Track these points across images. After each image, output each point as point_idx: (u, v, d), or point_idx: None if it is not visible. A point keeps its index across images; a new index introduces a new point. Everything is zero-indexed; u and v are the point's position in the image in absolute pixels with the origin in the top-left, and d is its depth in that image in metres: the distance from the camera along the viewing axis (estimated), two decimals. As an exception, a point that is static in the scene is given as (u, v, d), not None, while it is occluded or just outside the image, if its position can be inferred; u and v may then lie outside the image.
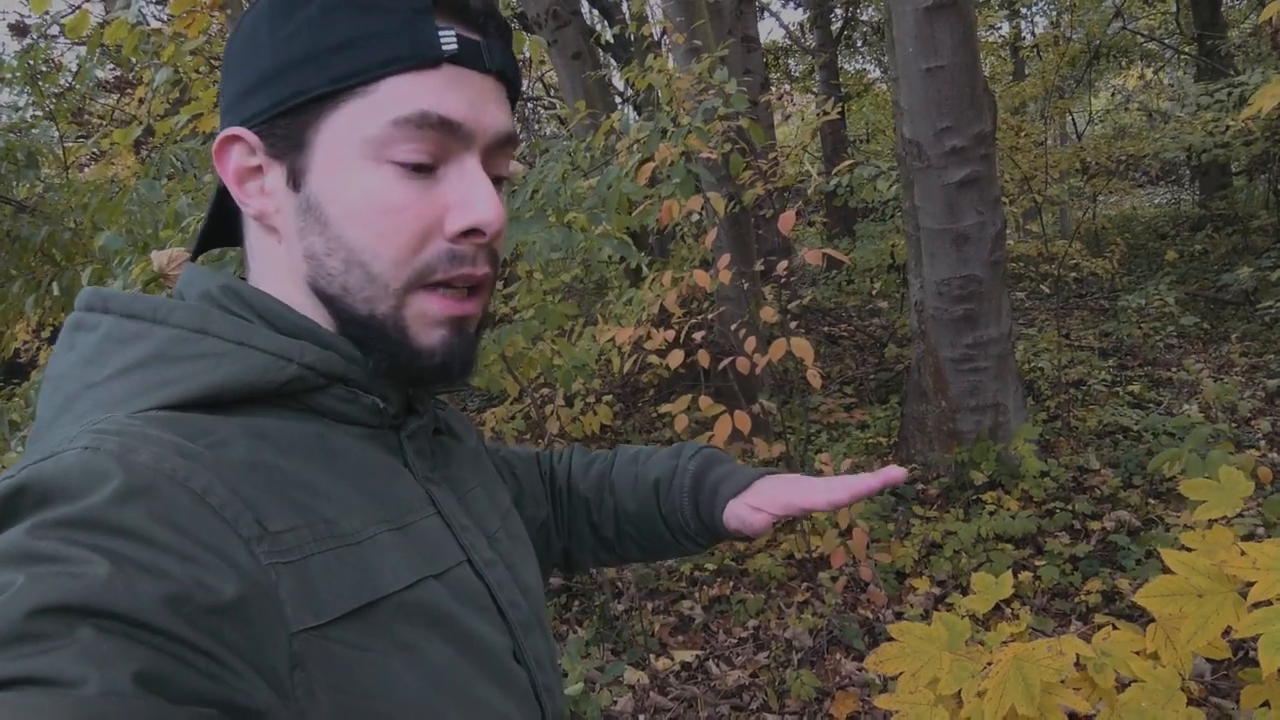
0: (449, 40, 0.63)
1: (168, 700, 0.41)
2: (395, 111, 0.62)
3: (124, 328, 0.61)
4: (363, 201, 0.63)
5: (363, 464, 0.64)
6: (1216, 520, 1.42)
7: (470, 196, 0.64)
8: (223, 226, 0.74)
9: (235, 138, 0.67)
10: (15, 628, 0.39)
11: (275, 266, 0.68)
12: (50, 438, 0.56)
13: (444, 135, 0.63)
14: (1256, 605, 1.16)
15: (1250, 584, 1.19)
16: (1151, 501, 3.91)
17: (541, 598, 0.79)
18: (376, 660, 0.54)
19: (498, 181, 0.69)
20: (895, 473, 0.82)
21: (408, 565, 0.60)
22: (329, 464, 0.61)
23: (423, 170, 0.63)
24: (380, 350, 0.65)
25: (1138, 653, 1.37)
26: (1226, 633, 1.22)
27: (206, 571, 0.47)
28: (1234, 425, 4.52)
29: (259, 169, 0.67)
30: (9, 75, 3.88)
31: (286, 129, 0.64)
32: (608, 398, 4.03)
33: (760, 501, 0.89)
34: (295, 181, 0.65)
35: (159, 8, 8.83)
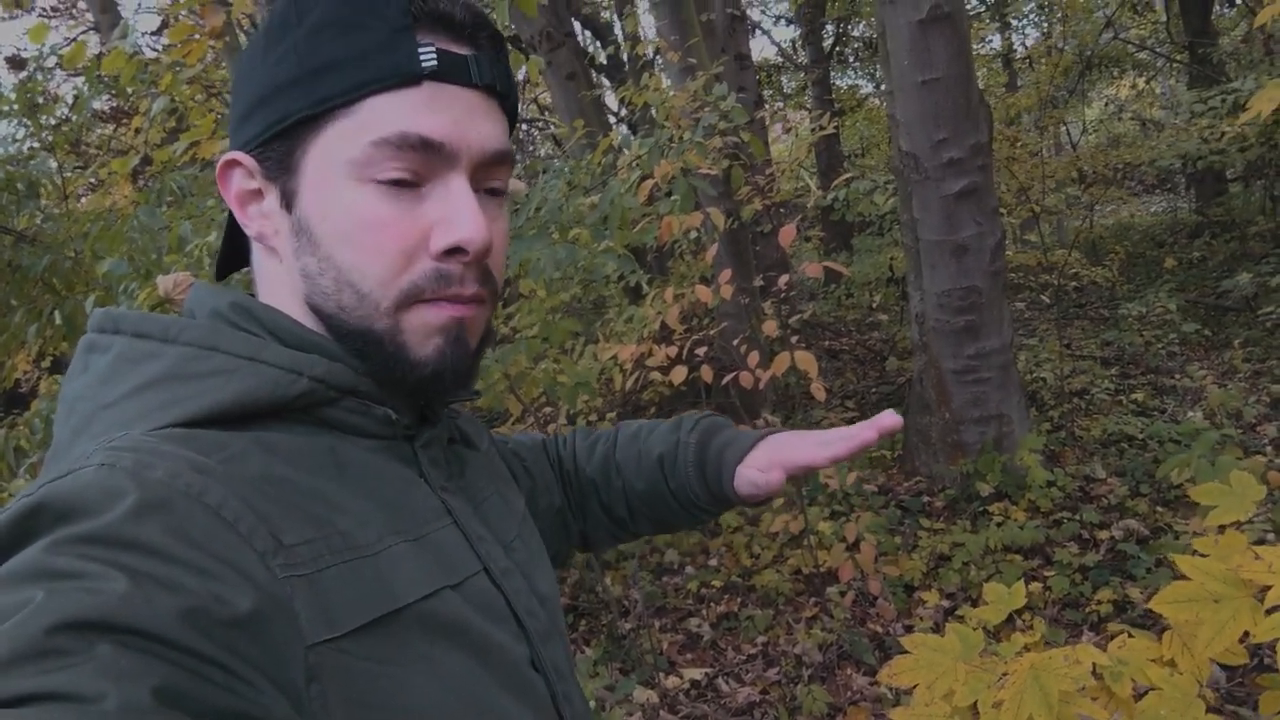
0: (429, 57, 0.62)
1: (186, 715, 0.41)
2: (375, 133, 0.61)
3: (136, 347, 0.61)
4: (348, 221, 0.62)
5: (376, 476, 0.64)
6: (1228, 525, 1.41)
7: (453, 214, 0.62)
8: (238, 250, 0.75)
9: (235, 162, 0.68)
10: (35, 644, 0.39)
11: (278, 285, 0.68)
12: (67, 458, 0.56)
13: (426, 155, 0.62)
14: (1273, 609, 1.15)
15: (1266, 588, 1.18)
16: (1159, 509, 3.90)
17: (558, 606, 0.78)
18: (394, 672, 0.54)
19: (493, 194, 0.68)
20: (890, 420, 0.82)
21: (424, 576, 0.60)
22: (342, 476, 0.61)
23: (405, 187, 0.62)
24: (377, 361, 0.65)
25: (1154, 660, 1.36)
26: (1244, 638, 1.21)
27: (222, 585, 0.47)
28: (1240, 431, 4.51)
29: (259, 192, 0.68)
30: (7, 108, 3.90)
31: (279, 152, 0.65)
32: (611, 415, 4.03)
33: (764, 464, 0.89)
34: (288, 203, 0.65)
35: (154, 38, 8.90)
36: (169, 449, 0.53)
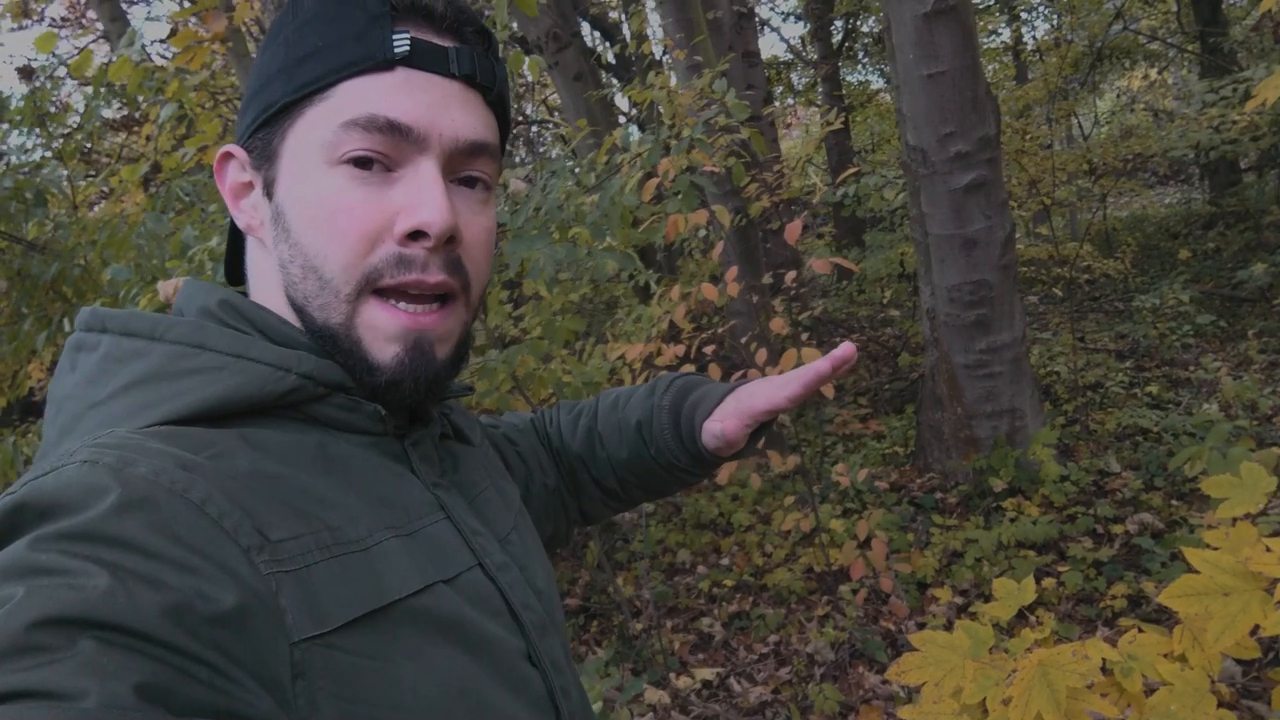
0: (402, 43, 0.63)
1: (168, 712, 0.41)
2: (345, 114, 0.62)
3: (123, 346, 0.62)
4: (315, 205, 0.63)
5: (367, 471, 0.64)
6: (1240, 517, 1.40)
7: (417, 199, 0.62)
8: (242, 250, 0.75)
9: (229, 155, 0.69)
10: (16, 640, 0.39)
11: (267, 280, 0.68)
12: (53, 456, 0.56)
13: (394, 138, 0.62)
14: (1284, 601, 1.14)
15: (1277, 580, 1.17)
16: (1174, 503, 3.87)
17: (555, 599, 0.78)
18: (383, 667, 0.54)
19: (472, 186, 0.68)
20: (844, 350, 0.81)
21: (416, 571, 0.60)
22: (332, 472, 0.61)
23: (375, 172, 0.62)
24: (342, 362, 0.65)
25: (1165, 655, 1.34)
26: (1254, 631, 1.20)
27: (206, 581, 0.47)
28: (1255, 423, 4.47)
29: (249, 184, 0.68)
30: (17, 118, 3.92)
31: (263, 141, 0.66)
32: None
33: (728, 416, 0.89)
34: (269, 191, 0.66)
35: (162, 45, 8.96)
36: (155, 446, 0.53)
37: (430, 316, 0.65)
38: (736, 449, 0.92)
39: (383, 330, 0.64)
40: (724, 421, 0.89)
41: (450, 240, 0.64)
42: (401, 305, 0.64)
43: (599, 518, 1.10)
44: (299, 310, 0.65)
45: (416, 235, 0.63)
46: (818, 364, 0.81)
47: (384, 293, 0.63)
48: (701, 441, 0.92)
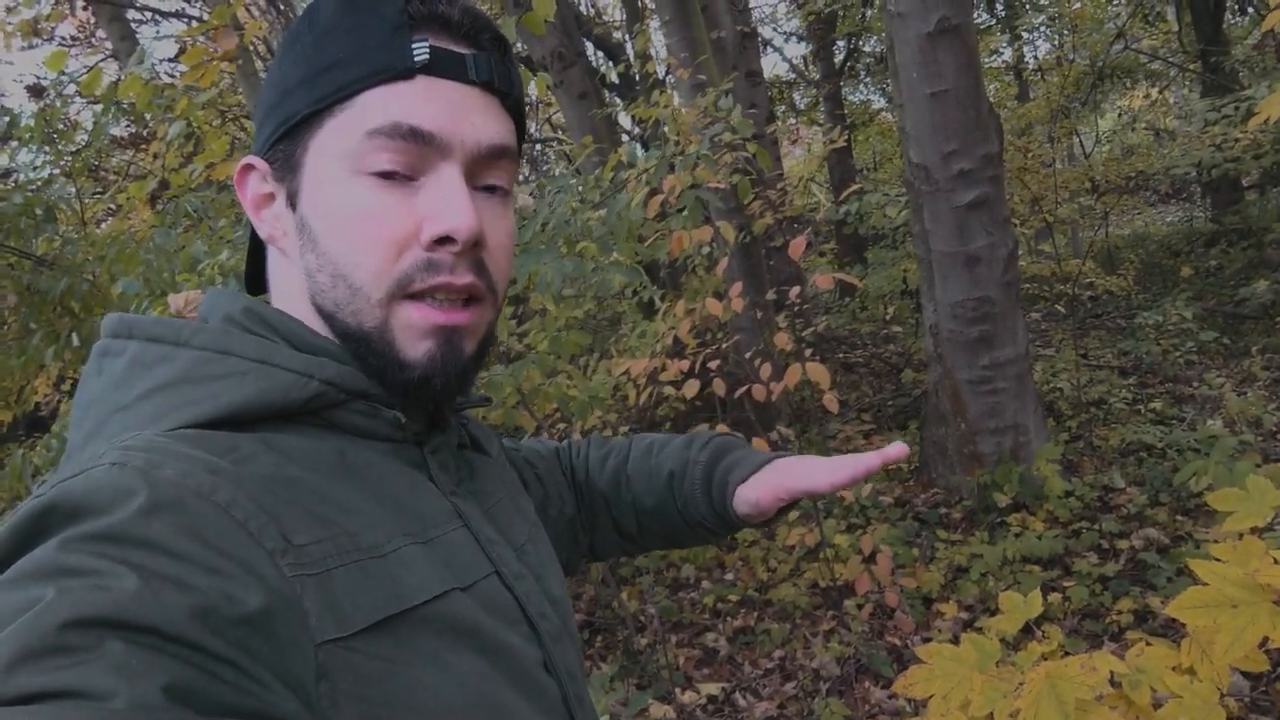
0: (421, 51, 0.63)
1: (196, 712, 0.41)
2: (369, 124, 0.62)
3: (149, 351, 0.62)
4: (341, 214, 0.64)
5: (385, 478, 0.64)
6: (1247, 531, 1.40)
7: (443, 205, 0.63)
8: (262, 261, 0.75)
9: (250, 166, 0.70)
10: (46, 641, 0.40)
11: (290, 289, 0.69)
12: (79, 459, 0.56)
13: (418, 145, 0.63)
14: (1293, 612, 1.14)
15: (1285, 592, 1.17)
16: (1180, 518, 3.86)
17: (569, 609, 0.78)
18: (403, 671, 0.54)
19: (493, 192, 0.69)
20: (897, 450, 0.81)
21: (434, 578, 0.60)
22: (351, 479, 0.62)
23: (399, 180, 0.63)
24: (371, 362, 0.65)
25: (1173, 668, 1.34)
26: (1263, 644, 1.20)
27: (232, 583, 0.47)
28: (1260, 438, 4.46)
29: (271, 195, 0.69)
30: (27, 135, 3.95)
31: (285, 152, 0.67)
32: (624, 430, 4.02)
33: (764, 486, 0.89)
34: (293, 202, 0.67)
35: (171, 64, 9.03)
36: (181, 449, 0.53)
37: (461, 314, 0.66)
38: (764, 519, 0.92)
39: (417, 327, 0.64)
40: (758, 490, 0.89)
41: (476, 244, 0.65)
42: (430, 302, 0.65)
43: (608, 557, 1.10)
44: (328, 316, 0.66)
45: (444, 241, 0.64)
46: (869, 457, 0.81)
47: (415, 296, 0.64)
48: (731, 504, 0.92)
